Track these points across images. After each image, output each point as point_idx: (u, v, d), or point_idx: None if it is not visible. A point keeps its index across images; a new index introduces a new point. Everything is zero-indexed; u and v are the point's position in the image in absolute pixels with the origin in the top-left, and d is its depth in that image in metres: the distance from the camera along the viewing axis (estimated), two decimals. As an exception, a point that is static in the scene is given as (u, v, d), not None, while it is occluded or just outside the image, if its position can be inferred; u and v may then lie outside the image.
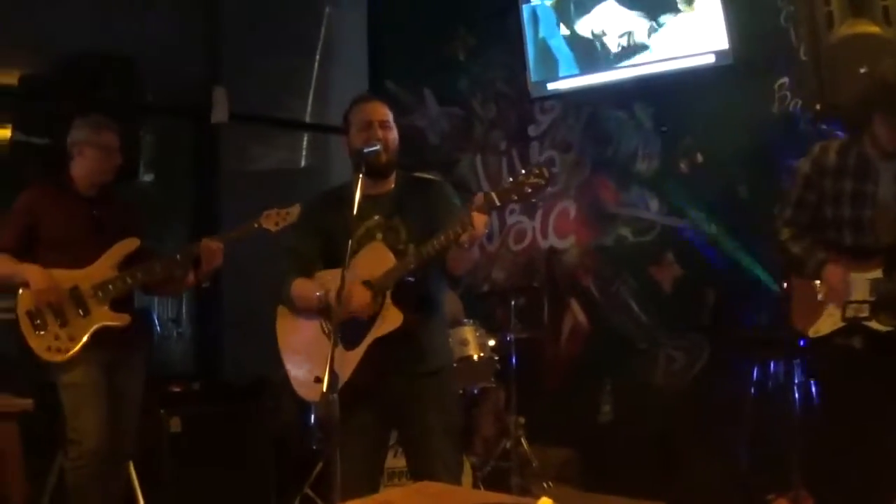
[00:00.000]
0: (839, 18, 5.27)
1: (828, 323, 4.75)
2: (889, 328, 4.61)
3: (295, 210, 5.05)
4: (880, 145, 4.66)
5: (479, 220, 3.90)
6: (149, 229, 5.56)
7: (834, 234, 4.76)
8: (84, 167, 5.15)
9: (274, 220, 5.10)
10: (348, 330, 4.04)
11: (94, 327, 4.98)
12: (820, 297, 4.75)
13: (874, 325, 4.63)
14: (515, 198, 3.95)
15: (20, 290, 4.95)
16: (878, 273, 4.65)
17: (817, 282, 4.75)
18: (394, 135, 4.34)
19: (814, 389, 5.81)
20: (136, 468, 5.44)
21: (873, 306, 4.63)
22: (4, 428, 4.47)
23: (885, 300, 4.60)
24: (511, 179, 3.97)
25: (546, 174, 3.90)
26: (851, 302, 4.66)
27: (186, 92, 7.90)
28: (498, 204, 3.94)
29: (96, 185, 5.19)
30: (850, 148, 4.76)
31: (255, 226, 5.12)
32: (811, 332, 4.82)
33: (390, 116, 4.37)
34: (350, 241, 3.92)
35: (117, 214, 5.26)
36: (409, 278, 4.16)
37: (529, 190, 3.91)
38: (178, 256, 5.14)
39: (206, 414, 6.35)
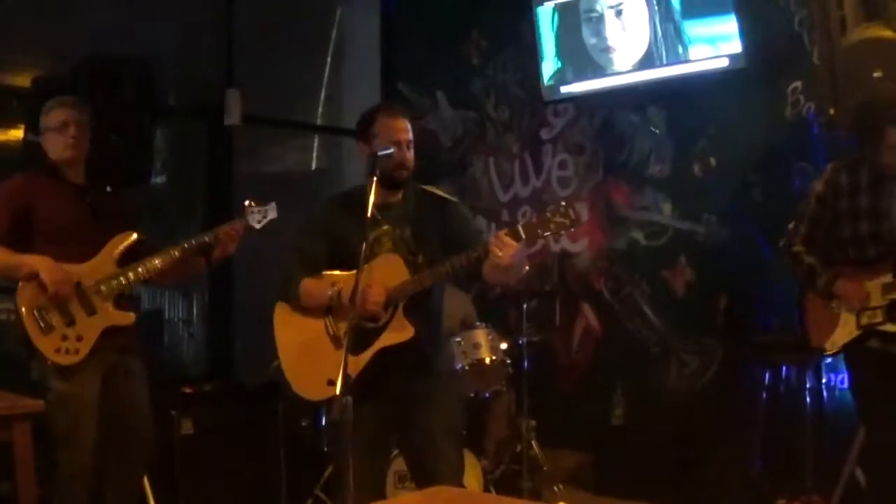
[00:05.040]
0: (852, 22, 5.27)
1: (843, 334, 4.80)
2: None
3: (272, 208, 4.97)
4: (884, 164, 4.73)
5: (510, 243, 3.95)
6: (161, 230, 5.47)
7: (855, 250, 4.81)
8: (50, 152, 4.95)
9: (257, 219, 4.97)
10: (355, 335, 4.05)
11: (104, 327, 4.81)
12: (836, 310, 4.80)
13: (889, 327, 4.66)
14: (541, 232, 4.04)
15: (21, 285, 4.72)
16: (888, 278, 4.68)
17: (833, 301, 4.81)
18: (413, 150, 4.40)
19: (825, 394, 5.85)
20: (147, 470, 5.44)
21: (887, 310, 4.66)
22: (16, 429, 4.43)
23: None
24: (538, 215, 4.06)
25: (573, 215, 3.97)
26: (865, 309, 4.70)
27: (200, 94, 7.90)
28: (523, 237, 3.99)
29: (70, 164, 4.96)
30: (860, 166, 4.83)
31: (244, 223, 4.97)
32: (828, 346, 4.86)
33: (411, 132, 4.41)
34: (363, 245, 3.95)
35: (111, 203, 5.10)
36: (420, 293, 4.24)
37: (554, 227, 3.99)
38: (176, 250, 4.93)
39: (217, 416, 6.35)
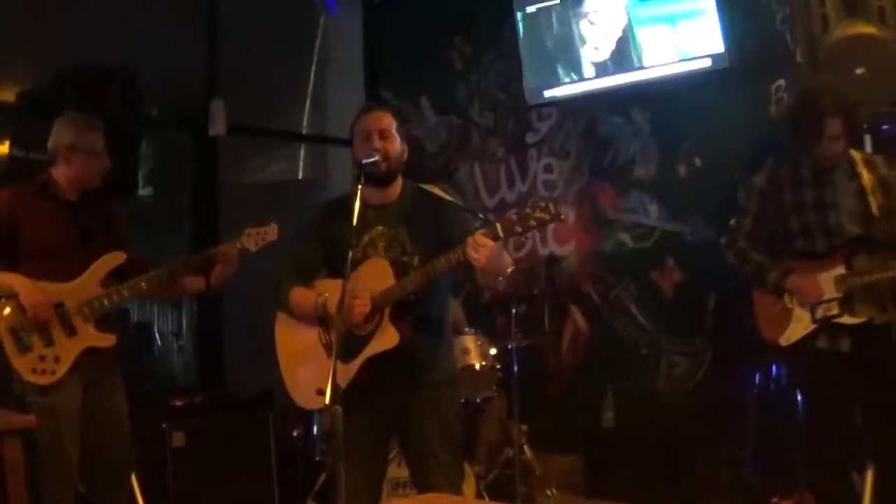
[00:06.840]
0: (835, 20, 5.29)
1: (798, 328, 4.82)
2: (861, 319, 4.67)
3: (273, 229, 4.90)
4: (825, 156, 4.75)
5: (485, 243, 3.89)
6: (147, 241, 5.42)
7: (803, 242, 4.83)
8: (71, 172, 4.89)
9: (254, 241, 4.89)
10: (345, 342, 4.02)
11: (82, 348, 4.77)
12: (789, 304, 4.81)
13: (846, 320, 4.68)
14: (520, 230, 3.93)
15: (2, 303, 4.72)
16: (840, 270, 4.70)
17: (786, 296, 4.82)
18: (395, 144, 4.29)
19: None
20: (139, 482, 5.38)
21: (842, 302, 4.68)
22: (6, 444, 4.41)
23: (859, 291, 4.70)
24: (517, 212, 3.96)
25: (552, 209, 3.87)
26: (820, 303, 4.72)
27: (184, 105, 7.89)
28: (501, 236, 3.91)
29: (82, 190, 4.95)
30: (801, 159, 4.84)
31: (238, 246, 4.89)
32: (783, 341, 4.88)
33: (393, 126, 4.31)
34: (350, 253, 3.92)
35: (102, 222, 5.03)
36: (410, 297, 4.16)
37: (534, 223, 3.89)
38: (163, 272, 4.89)
39: (209, 427, 6.34)
